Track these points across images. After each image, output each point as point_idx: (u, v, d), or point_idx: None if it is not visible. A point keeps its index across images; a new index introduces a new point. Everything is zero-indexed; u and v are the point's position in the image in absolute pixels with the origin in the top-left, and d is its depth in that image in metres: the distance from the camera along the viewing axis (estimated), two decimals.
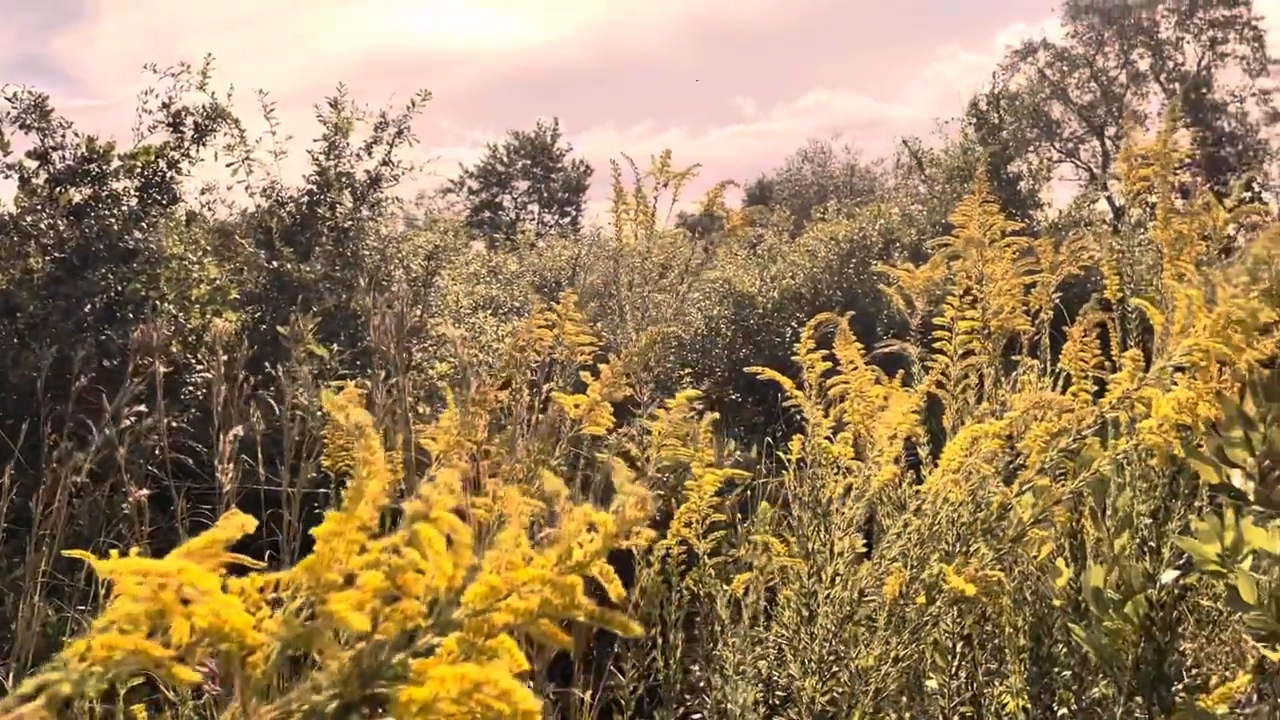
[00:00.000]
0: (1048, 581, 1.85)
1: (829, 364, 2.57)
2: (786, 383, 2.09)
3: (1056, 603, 1.82)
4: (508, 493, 0.64)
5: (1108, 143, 26.09)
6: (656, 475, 2.32)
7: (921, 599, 1.59)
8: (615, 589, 0.63)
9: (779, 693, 2.12)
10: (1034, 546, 1.86)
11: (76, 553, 1.69)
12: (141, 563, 0.66)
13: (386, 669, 0.61)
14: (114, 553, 0.70)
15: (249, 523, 0.72)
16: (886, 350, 3.04)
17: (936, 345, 2.07)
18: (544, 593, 0.60)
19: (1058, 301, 2.52)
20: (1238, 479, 1.34)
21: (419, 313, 5.37)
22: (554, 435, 1.58)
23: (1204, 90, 25.05)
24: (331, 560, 0.67)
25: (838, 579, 1.69)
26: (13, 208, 4.40)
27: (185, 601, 0.66)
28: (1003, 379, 2.27)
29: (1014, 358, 2.38)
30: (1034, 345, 2.44)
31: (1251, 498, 1.34)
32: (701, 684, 1.87)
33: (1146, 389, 1.34)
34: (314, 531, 0.69)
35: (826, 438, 2.22)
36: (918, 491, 2.02)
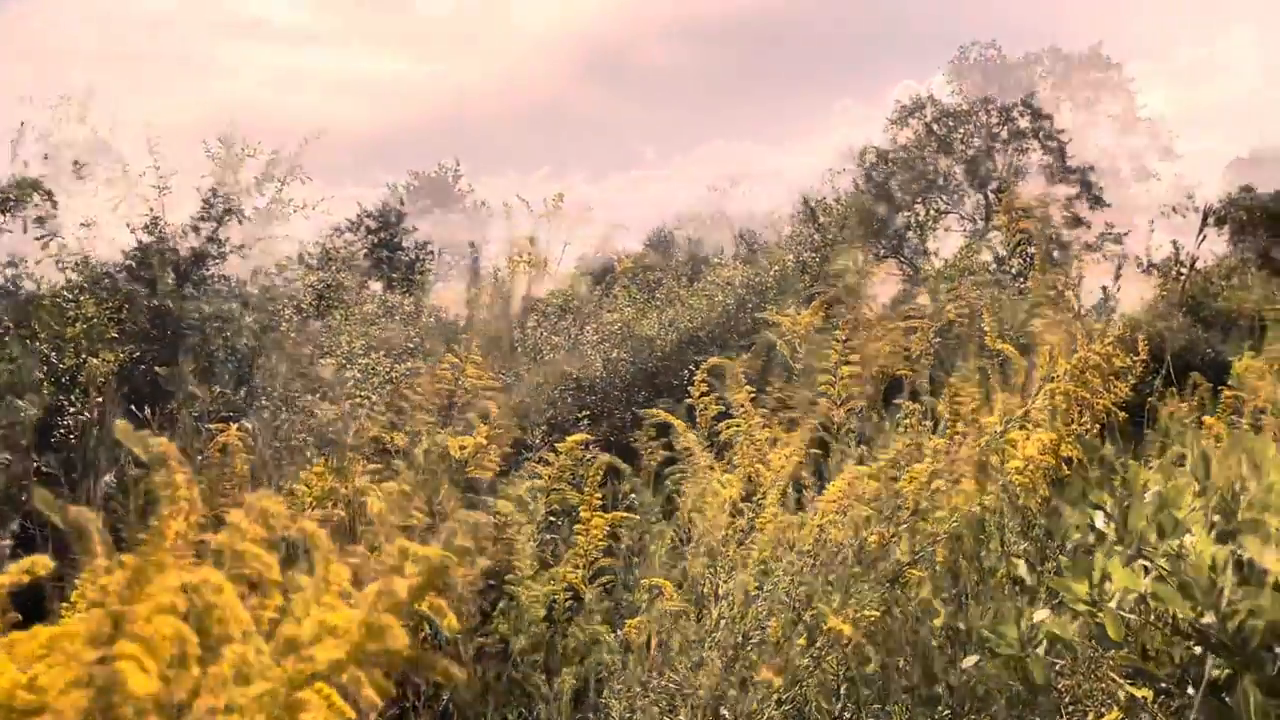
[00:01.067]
0: (926, 621, 1.87)
1: (723, 406, 2.58)
2: (678, 424, 2.10)
3: (935, 643, 1.84)
4: (315, 534, 0.61)
5: (990, 196, 27.23)
6: (546, 519, 2.29)
7: (802, 640, 1.59)
8: (449, 622, 0.60)
9: None
10: (913, 588, 1.89)
11: None
12: None
13: None
14: None
15: (41, 563, 0.67)
16: (774, 394, 3.07)
17: (821, 387, 2.10)
18: (355, 636, 0.56)
19: (938, 347, 2.59)
20: (1099, 520, 1.38)
21: (309, 353, 5.24)
22: (433, 479, 1.54)
23: (1075, 148, 26.44)
24: (125, 617, 0.63)
25: (722, 622, 1.68)
26: None
27: None
28: (885, 422, 2.31)
29: (896, 401, 2.43)
30: (914, 389, 2.50)
31: (1112, 537, 1.38)
32: None
33: (1013, 431, 1.38)
34: (124, 558, 0.65)
35: (718, 481, 2.23)
36: (801, 526, 2.04)
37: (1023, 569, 1.35)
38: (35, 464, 3.66)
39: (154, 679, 0.54)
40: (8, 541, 2.71)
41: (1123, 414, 1.28)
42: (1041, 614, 1.97)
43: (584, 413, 6.19)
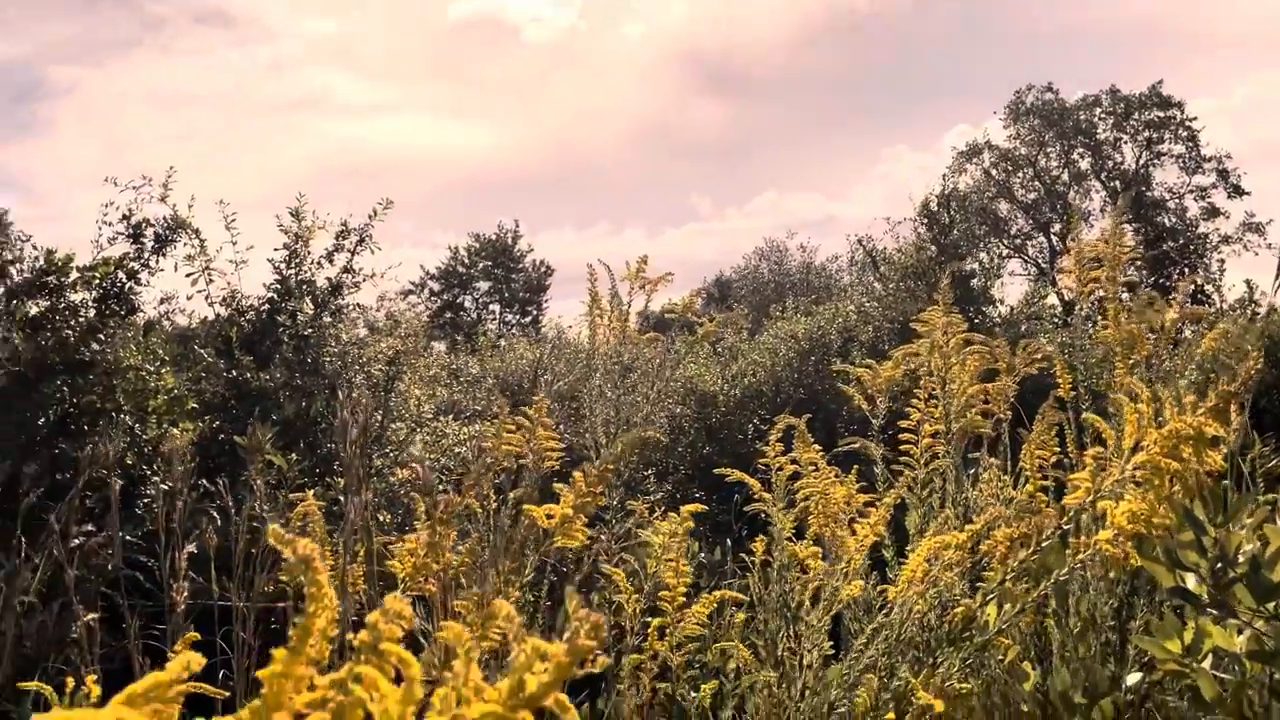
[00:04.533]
0: (1015, 686, 1.83)
1: (794, 465, 2.58)
2: (754, 485, 2.10)
3: (1024, 708, 1.80)
4: (456, 632, 0.63)
5: (1053, 238, 26.88)
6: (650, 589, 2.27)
7: (891, 715, 1.57)
8: (571, 717, 0.62)
9: None
10: (1000, 650, 1.85)
11: (31, 684, 1.63)
12: (79, 714, 0.64)
13: None
14: (69, 679, 0.68)
15: (196, 661, 0.70)
16: (848, 448, 3.06)
17: (903, 447, 2.09)
18: None
19: (1014, 400, 2.56)
20: (1191, 582, 1.35)
21: (380, 419, 5.33)
22: (523, 551, 1.57)
23: (1143, 188, 26.00)
24: (279, 702, 0.65)
25: (807, 691, 1.67)
26: None
27: None
28: (964, 479, 2.28)
29: (973, 455, 2.40)
30: (993, 444, 2.47)
31: (1205, 600, 1.35)
32: None
33: (1101, 501, 1.36)
34: (260, 673, 0.67)
35: (789, 539, 2.22)
36: (883, 593, 2.02)
37: (1191, 581, 1.29)
38: (120, 535, 3.76)
39: None
40: (94, 615, 2.78)
41: (1212, 479, 1.25)
42: (1134, 677, 1.92)
43: (649, 469, 6.19)
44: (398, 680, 0.65)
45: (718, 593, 2.20)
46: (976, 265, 8.57)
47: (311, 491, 4.13)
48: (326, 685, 0.66)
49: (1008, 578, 1.52)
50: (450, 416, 5.78)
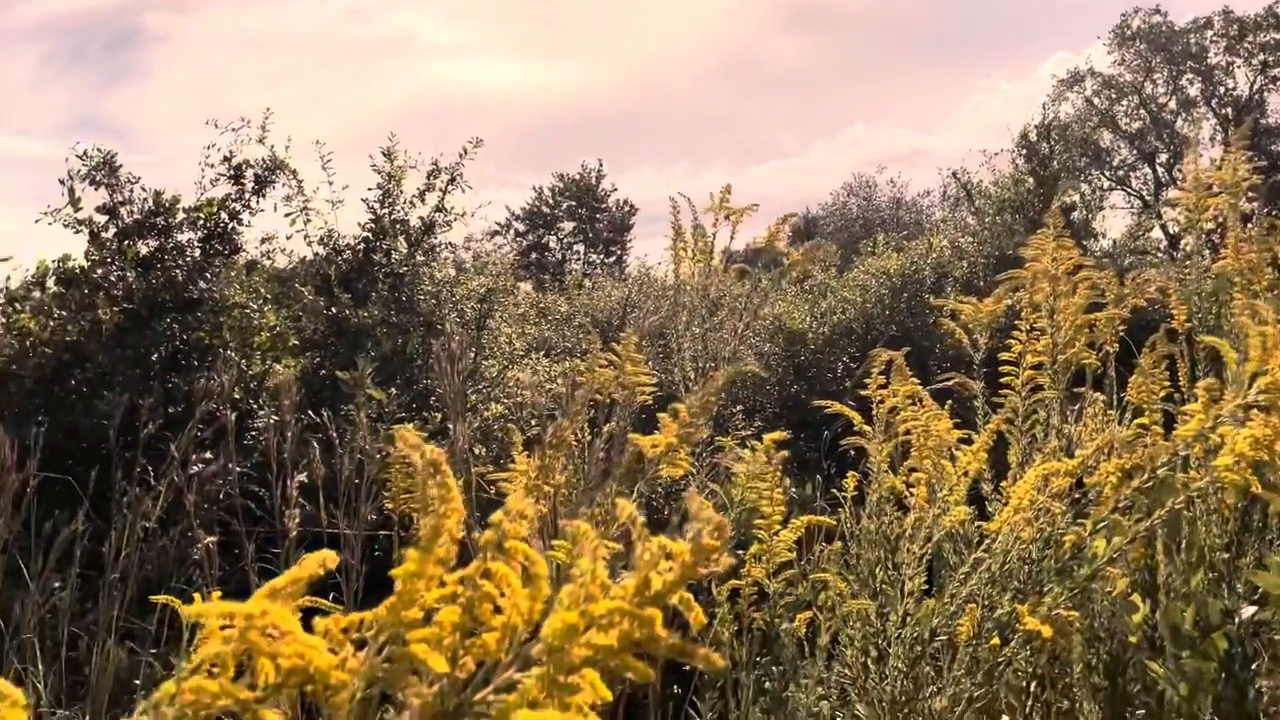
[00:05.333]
0: (1122, 619, 1.80)
1: (894, 399, 2.54)
2: (855, 417, 2.08)
3: (1132, 640, 1.77)
4: (582, 529, 0.65)
5: (1159, 169, 25.73)
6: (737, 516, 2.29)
7: (995, 640, 1.56)
8: (697, 617, 0.62)
9: None
10: (1107, 583, 1.82)
11: (161, 597, 1.72)
12: (226, 606, 0.67)
13: (468, 708, 0.62)
14: (196, 596, 0.72)
15: (330, 559, 0.73)
16: (943, 385, 3.01)
17: (1003, 380, 2.04)
18: (623, 625, 0.60)
19: (1120, 335, 2.48)
20: None
21: (473, 355, 5.43)
22: (632, 478, 1.59)
23: (1257, 115, 24.62)
24: (412, 599, 0.68)
25: (908, 618, 1.67)
26: (84, 261, 4.54)
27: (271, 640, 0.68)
28: (1069, 413, 2.23)
29: (1078, 390, 2.34)
30: (1099, 378, 2.40)
31: None
32: None
33: (1222, 426, 1.31)
34: (394, 572, 0.69)
35: (889, 471, 2.21)
36: (980, 528, 1.99)
37: None
38: (231, 465, 3.92)
39: (444, 661, 0.59)
40: (213, 538, 2.91)
41: None
42: (1248, 610, 1.87)
43: (738, 407, 6.19)
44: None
45: (809, 516, 2.20)
46: (1077, 198, 8.27)
47: (410, 425, 4.24)
48: (455, 583, 0.69)
49: (1117, 507, 1.49)
50: (541, 354, 5.86)
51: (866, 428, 2.39)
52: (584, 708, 0.59)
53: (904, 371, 2.36)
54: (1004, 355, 2.01)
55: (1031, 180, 7.50)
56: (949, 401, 2.51)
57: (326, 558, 0.75)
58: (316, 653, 0.62)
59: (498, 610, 0.69)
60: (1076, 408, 2.36)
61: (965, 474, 1.78)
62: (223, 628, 0.68)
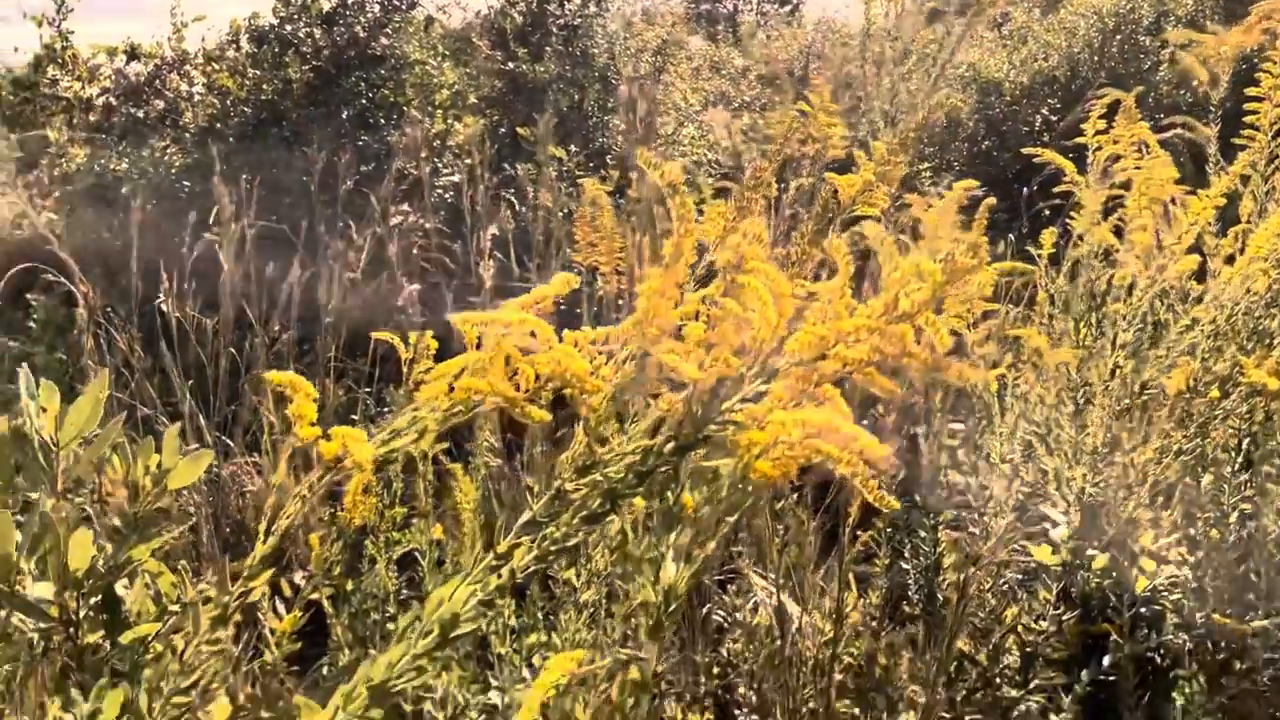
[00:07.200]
0: None
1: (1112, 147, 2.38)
2: (1068, 166, 1.96)
3: None
4: (836, 244, 0.63)
5: None
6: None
7: (1215, 392, 1.50)
8: (943, 339, 0.62)
9: (1023, 487, 2.09)
10: None
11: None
12: (484, 315, 0.71)
13: (717, 414, 0.64)
14: (457, 317, 0.76)
15: (573, 280, 0.75)
16: (1167, 133, 2.77)
17: (1249, 118, 1.85)
18: (872, 341, 0.59)
19: None
20: None
21: (648, 110, 5.33)
22: (827, 217, 1.56)
23: None
24: (655, 315, 0.69)
25: (1117, 370, 1.61)
26: (272, 18, 4.64)
27: (524, 352, 0.71)
28: None
29: None
30: None
31: None
32: (966, 470, 1.87)
33: None
34: (639, 288, 0.71)
35: (1097, 222, 2.09)
36: (1193, 286, 1.88)
37: None
38: (423, 220, 4.07)
39: (696, 370, 0.61)
40: (416, 287, 3.07)
41: None
42: None
43: (924, 165, 5.91)
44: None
45: (1003, 264, 2.12)
46: None
47: (590, 180, 4.27)
48: (697, 302, 0.70)
49: None
50: (718, 108, 5.70)
51: (1079, 177, 2.24)
52: (838, 407, 0.60)
53: (1132, 113, 2.18)
54: (1251, 91, 1.80)
55: None
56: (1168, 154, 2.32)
57: (570, 279, 0.77)
58: (573, 360, 0.65)
59: (735, 331, 0.69)
60: None
61: (1194, 223, 1.65)
62: (474, 332, 0.72)
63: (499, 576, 0.65)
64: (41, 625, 1.12)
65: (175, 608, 1.12)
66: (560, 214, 3.79)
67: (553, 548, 0.65)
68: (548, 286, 0.74)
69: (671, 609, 0.71)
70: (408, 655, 0.64)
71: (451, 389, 0.69)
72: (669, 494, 0.69)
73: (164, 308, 2.88)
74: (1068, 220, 2.34)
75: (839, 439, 0.56)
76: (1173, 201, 2.10)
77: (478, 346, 0.71)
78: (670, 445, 0.64)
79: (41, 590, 1.09)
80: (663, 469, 0.62)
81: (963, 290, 1.87)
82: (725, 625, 1.77)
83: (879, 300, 0.60)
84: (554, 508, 0.69)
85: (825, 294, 0.63)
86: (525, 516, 0.69)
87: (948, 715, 1.54)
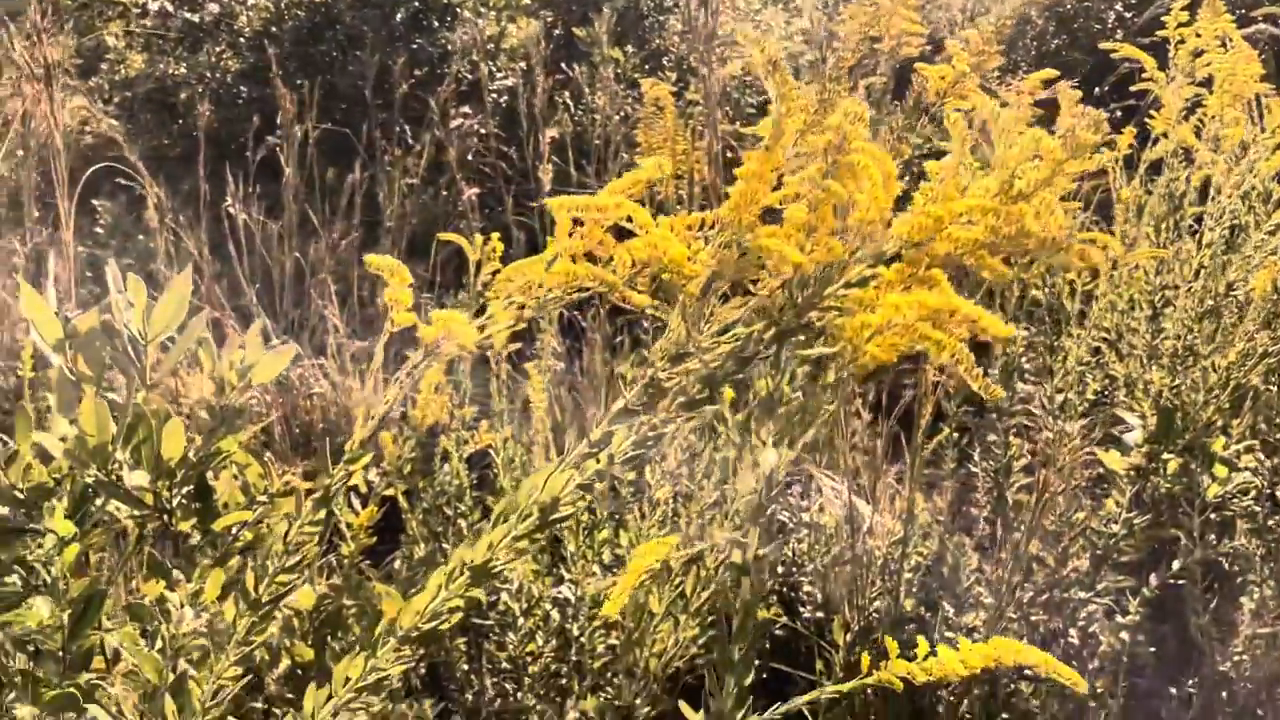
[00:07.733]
0: None
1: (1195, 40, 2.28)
2: (1149, 61, 1.88)
3: None
4: (954, 118, 0.61)
5: None
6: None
7: None
8: (1056, 220, 0.60)
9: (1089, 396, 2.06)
10: None
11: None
12: (577, 199, 0.70)
13: (818, 298, 0.63)
14: (553, 201, 0.75)
15: (664, 164, 0.74)
16: (1252, 27, 2.65)
17: None
18: (987, 221, 0.58)
19: None
20: None
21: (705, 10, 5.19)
22: (919, 110, 1.51)
23: None
24: (753, 199, 0.68)
25: (1201, 271, 1.57)
26: None
27: (619, 238, 0.70)
28: None
29: None
30: None
31: None
32: (1032, 378, 1.85)
33: None
34: (737, 171, 0.69)
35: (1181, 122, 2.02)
36: (1274, 189, 1.81)
37: None
38: (478, 125, 4.04)
39: (798, 253, 0.59)
40: (475, 190, 3.06)
41: None
42: None
43: (992, 66, 5.71)
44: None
45: (1081, 164, 2.06)
46: None
47: (651, 80, 4.16)
48: (797, 184, 0.68)
49: None
50: (778, 7, 5.53)
51: (1159, 74, 2.15)
52: (949, 293, 0.59)
53: (1217, 5, 2.07)
54: None
55: None
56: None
57: (662, 162, 0.76)
58: (669, 244, 0.65)
59: (837, 216, 0.68)
60: None
61: None
62: (570, 217, 0.71)
63: (596, 461, 0.66)
64: (137, 512, 1.16)
65: (263, 498, 1.16)
66: (618, 116, 3.73)
67: (650, 433, 0.65)
68: (640, 170, 0.72)
69: (773, 492, 0.72)
70: (508, 537, 0.65)
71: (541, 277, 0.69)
72: (768, 380, 0.69)
73: (230, 210, 2.90)
74: (1145, 121, 2.26)
75: (957, 320, 0.55)
76: (1256, 100, 2.02)
77: (570, 234, 0.70)
78: (771, 331, 0.63)
79: (137, 479, 1.13)
80: (764, 355, 0.62)
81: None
82: (790, 525, 1.79)
83: (993, 179, 0.59)
84: (646, 396, 0.70)
85: (936, 173, 0.61)
86: (618, 404, 0.70)
87: (1014, 616, 1.55)
